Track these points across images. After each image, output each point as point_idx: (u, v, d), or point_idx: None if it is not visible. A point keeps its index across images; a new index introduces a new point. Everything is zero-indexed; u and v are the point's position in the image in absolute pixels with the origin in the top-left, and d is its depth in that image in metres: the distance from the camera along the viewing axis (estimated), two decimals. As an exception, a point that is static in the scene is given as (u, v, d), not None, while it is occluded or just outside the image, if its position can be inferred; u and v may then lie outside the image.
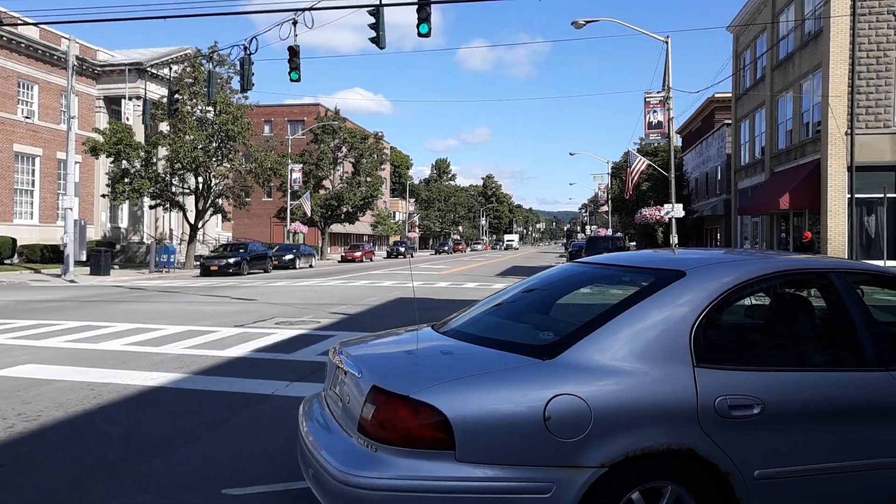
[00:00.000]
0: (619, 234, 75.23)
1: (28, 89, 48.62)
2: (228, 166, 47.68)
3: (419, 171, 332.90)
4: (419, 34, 20.95)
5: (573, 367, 4.01)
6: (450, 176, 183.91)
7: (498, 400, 3.84)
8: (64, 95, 48.21)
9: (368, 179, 74.90)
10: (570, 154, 77.58)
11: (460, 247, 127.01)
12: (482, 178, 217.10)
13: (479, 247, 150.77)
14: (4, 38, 46.03)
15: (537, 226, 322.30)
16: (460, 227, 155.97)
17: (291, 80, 23.55)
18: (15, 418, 7.94)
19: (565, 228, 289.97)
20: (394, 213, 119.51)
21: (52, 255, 44.99)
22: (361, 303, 21.51)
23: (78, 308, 20.26)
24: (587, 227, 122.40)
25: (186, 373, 10.44)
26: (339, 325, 15.86)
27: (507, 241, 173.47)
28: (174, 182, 46.96)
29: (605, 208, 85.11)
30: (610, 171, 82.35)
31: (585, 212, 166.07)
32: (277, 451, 6.77)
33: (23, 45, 47.21)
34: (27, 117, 47.96)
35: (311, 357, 11.66)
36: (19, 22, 42.86)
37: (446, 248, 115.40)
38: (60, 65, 48.24)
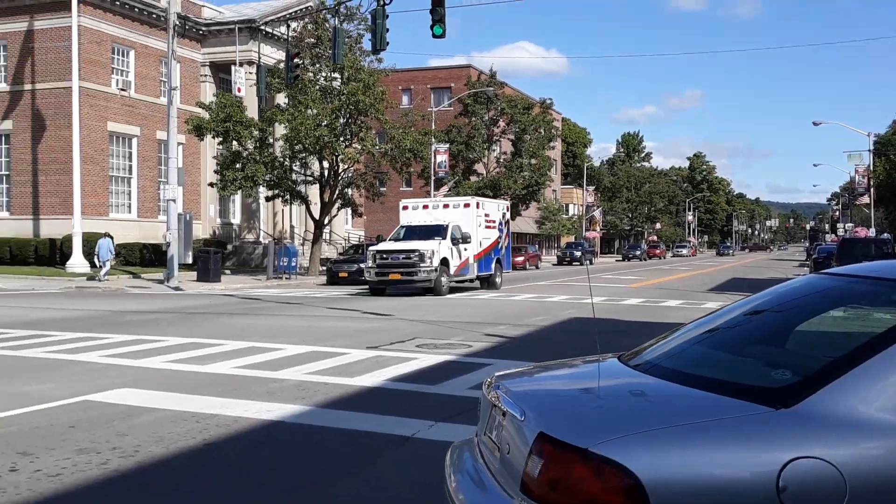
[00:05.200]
0: (885, 234, 60.67)
1: (123, 56, 42.42)
2: (359, 147, 40.05)
3: (601, 151, 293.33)
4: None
5: (821, 420, 3.09)
6: (643, 155, 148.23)
7: (712, 462, 2.99)
8: (164, 62, 41.11)
9: (533, 162, 61.91)
10: (815, 124, 59.02)
11: (657, 251, 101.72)
12: (688, 158, 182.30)
13: (685, 251, 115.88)
14: (95, -5, 40.91)
15: (767, 223, 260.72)
16: (657, 225, 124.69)
17: (434, 35, 19.76)
18: (110, 453, 7.19)
19: (807, 227, 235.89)
20: (566, 205, 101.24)
21: (152, 256, 40.35)
22: (523, 323, 18.54)
23: (182, 321, 18.99)
24: (838, 226, 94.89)
25: (309, 405, 9.24)
26: (496, 352, 13.70)
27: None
28: (294, 168, 40.00)
29: (864, 199, 70.05)
30: (872, 148, 67.19)
31: (836, 204, 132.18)
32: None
33: (117, 3, 41.61)
34: (122, 89, 41.99)
35: (461, 391, 10.09)
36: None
37: (637, 252, 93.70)
38: (160, 25, 41.84)
